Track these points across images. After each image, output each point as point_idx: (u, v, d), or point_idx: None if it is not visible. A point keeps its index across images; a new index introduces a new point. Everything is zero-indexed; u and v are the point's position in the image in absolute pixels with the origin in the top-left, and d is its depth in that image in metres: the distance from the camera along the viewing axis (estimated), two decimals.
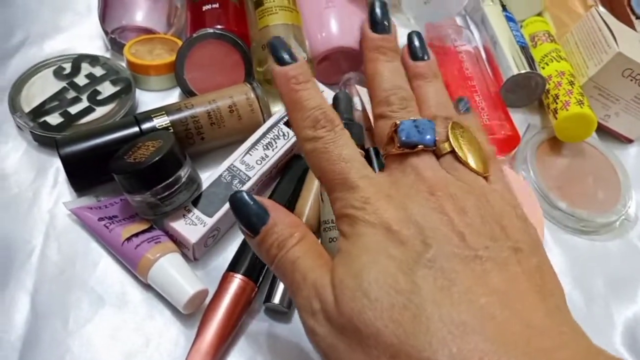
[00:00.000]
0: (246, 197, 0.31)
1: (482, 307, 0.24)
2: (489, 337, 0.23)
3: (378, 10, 0.35)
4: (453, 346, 0.23)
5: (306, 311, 0.28)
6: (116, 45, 0.59)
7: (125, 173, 0.42)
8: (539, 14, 0.69)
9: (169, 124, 0.48)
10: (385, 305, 0.25)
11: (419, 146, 0.30)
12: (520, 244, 0.28)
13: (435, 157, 0.31)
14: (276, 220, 0.31)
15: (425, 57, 0.36)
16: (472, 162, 0.30)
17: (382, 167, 0.50)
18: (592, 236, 0.51)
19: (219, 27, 0.55)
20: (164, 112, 0.48)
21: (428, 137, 0.30)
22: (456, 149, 0.30)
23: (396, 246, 0.26)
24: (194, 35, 0.53)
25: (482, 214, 0.28)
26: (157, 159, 0.41)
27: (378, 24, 0.35)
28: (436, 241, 0.26)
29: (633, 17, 0.75)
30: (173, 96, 0.57)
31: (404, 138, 0.30)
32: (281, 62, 0.33)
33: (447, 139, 0.31)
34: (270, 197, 0.49)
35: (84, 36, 0.61)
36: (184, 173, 0.44)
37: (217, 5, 0.57)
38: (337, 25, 0.55)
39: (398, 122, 0.31)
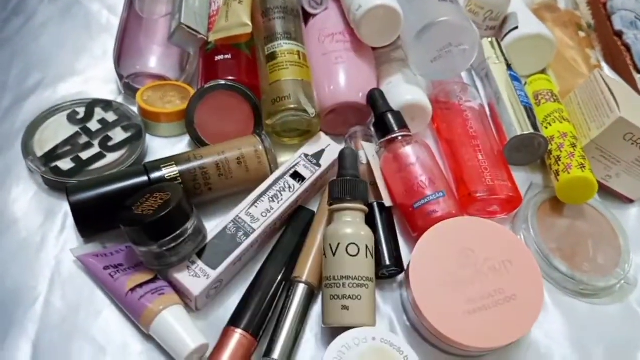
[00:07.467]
0: None
1: None
2: None
3: None
4: None
5: None
6: (130, 90, 0.60)
7: (133, 225, 0.43)
8: (543, 71, 0.70)
9: (178, 175, 0.49)
10: None
11: None
12: None
13: None
14: None
15: None
16: None
17: (385, 222, 0.51)
18: (592, 299, 0.52)
19: (230, 78, 0.56)
20: (173, 162, 0.49)
21: None
22: None
23: None
24: (206, 85, 0.55)
25: None
26: (164, 212, 0.42)
27: None
28: None
29: (635, 74, 0.77)
30: (182, 143, 0.58)
31: None
32: None
33: None
34: (273, 249, 0.50)
35: (98, 79, 0.63)
36: (190, 225, 0.45)
37: (229, 56, 0.58)
38: (345, 81, 0.57)
39: None
